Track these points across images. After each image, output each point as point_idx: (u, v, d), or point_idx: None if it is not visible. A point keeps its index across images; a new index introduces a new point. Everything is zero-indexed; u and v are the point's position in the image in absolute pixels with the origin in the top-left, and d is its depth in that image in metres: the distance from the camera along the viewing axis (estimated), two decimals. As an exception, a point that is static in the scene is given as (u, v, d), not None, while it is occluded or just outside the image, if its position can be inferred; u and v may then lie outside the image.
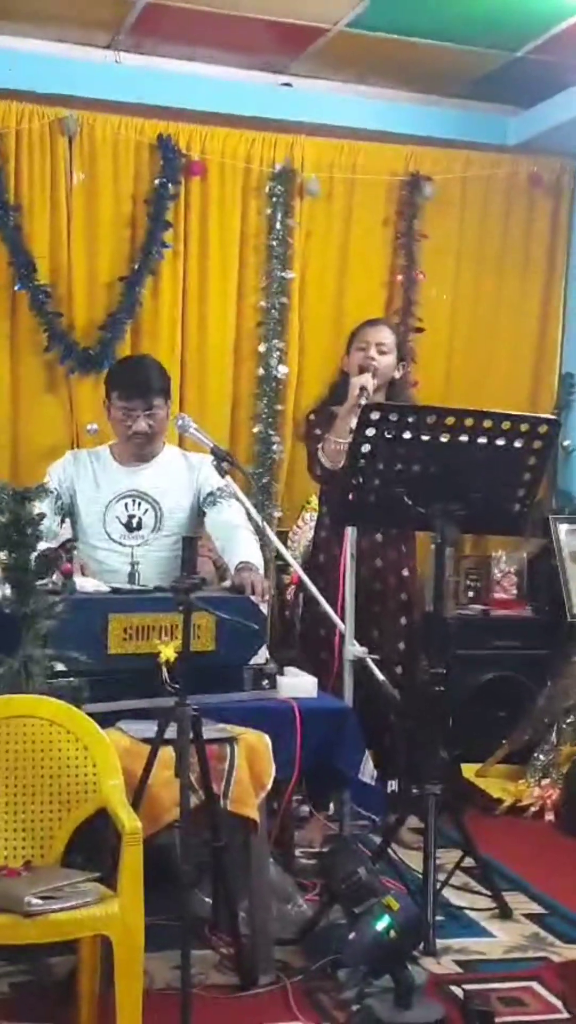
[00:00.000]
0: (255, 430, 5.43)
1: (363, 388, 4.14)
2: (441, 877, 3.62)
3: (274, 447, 5.41)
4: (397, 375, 4.40)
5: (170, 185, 5.21)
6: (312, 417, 4.47)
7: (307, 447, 4.46)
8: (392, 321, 4.93)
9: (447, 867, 3.73)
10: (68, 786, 2.86)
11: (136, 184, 5.23)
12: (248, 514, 3.88)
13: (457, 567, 5.49)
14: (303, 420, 4.74)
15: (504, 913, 3.68)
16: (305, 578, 3.90)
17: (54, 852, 2.84)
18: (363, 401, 4.09)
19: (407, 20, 4.83)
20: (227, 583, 3.67)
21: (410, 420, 3.51)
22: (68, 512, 3.96)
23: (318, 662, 4.07)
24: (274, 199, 5.37)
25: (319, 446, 4.30)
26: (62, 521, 3.96)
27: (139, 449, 3.95)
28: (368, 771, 3.53)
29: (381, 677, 3.90)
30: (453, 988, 3.14)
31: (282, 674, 3.51)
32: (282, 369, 5.41)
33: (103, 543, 3.92)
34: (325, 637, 4.21)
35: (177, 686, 2.93)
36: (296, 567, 3.97)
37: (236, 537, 3.83)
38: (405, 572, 4.42)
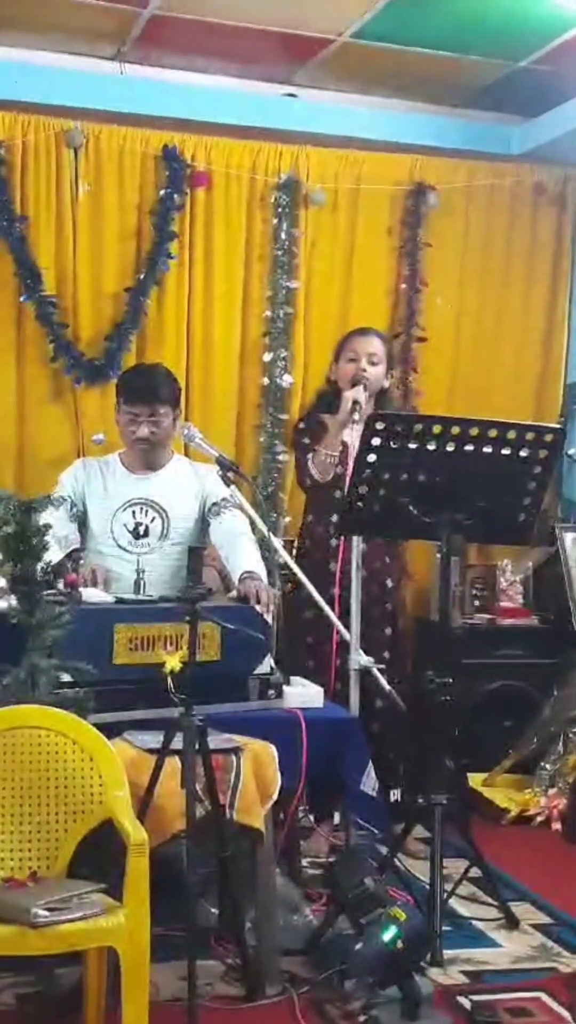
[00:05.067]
0: (260, 440, 5.44)
1: (356, 402, 4.15)
2: (448, 887, 3.62)
3: (278, 456, 5.41)
4: (387, 384, 4.42)
5: (175, 196, 5.22)
6: (301, 426, 4.49)
7: (296, 456, 4.48)
8: (381, 330, 4.91)
9: (454, 877, 3.72)
10: (74, 797, 2.86)
11: (141, 195, 5.24)
12: (252, 524, 3.89)
13: (463, 576, 5.48)
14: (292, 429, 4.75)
15: (511, 923, 3.68)
16: (311, 588, 3.89)
17: (60, 863, 2.84)
18: (356, 415, 4.10)
19: (411, 31, 4.84)
20: (233, 593, 3.68)
21: (415, 429, 3.52)
22: (81, 519, 3.97)
23: (305, 671, 4.05)
24: (279, 209, 5.38)
25: (308, 457, 4.32)
26: (79, 529, 3.97)
27: (143, 456, 3.97)
28: (370, 782, 3.52)
29: (388, 687, 3.91)
30: (460, 999, 3.13)
31: (288, 684, 3.51)
32: (287, 378, 5.42)
33: (110, 550, 3.93)
34: (313, 645, 4.22)
35: (183, 696, 2.93)
36: (302, 576, 3.97)
37: (239, 547, 3.83)
38: (389, 582, 4.43)
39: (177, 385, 4.07)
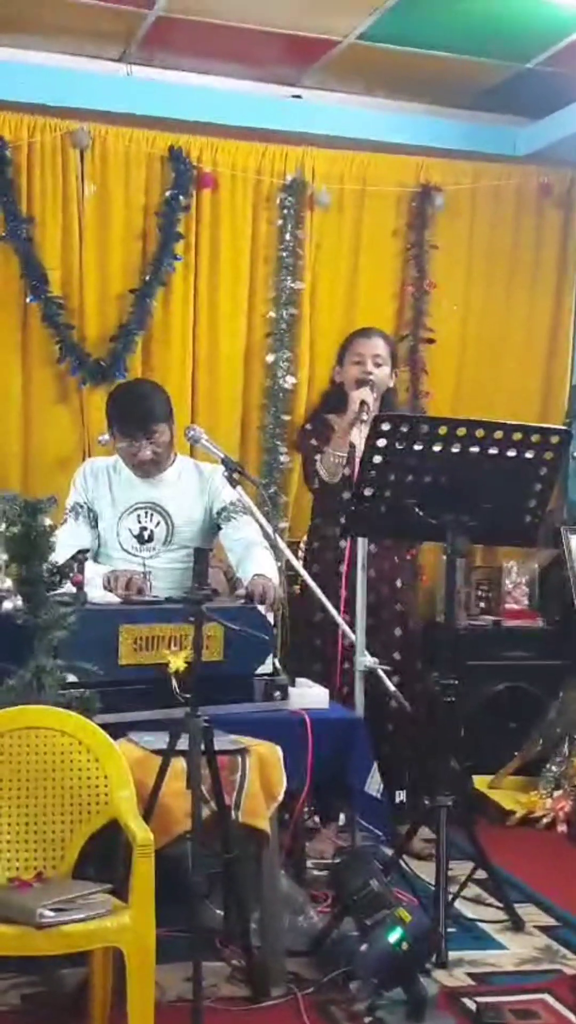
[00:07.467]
0: (263, 441, 5.44)
1: (364, 402, 4.15)
2: (453, 889, 3.61)
3: (281, 458, 5.41)
4: (391, 384, 4.43)
5: (181, 197, 5.23)
6: (307, 427, 4.49)
7: (303, 457, 4.48)
8: (387, 332, 4.90)
9: (459, 879, 3.71)
10: (79, 798, 2.86)
11: (147, 196, 5.25)
12: (261, 527, 3.88)
13: (468, 578, 5.48)
14: (297, 430, 4.73)
15: (516, 925, 3.67)
16: (317, 590, 3.89)
17: (66, 864, 2.84)
18: (364, 416, 4.10)
19: (417, 32, 4.84)
20: (241, 591, 3.68)
21: (421, 431, 3.51)
22: (94, 523, 3.98)
23: (311, 674, 4.05)
24: (284, 211, 5.38)
25: (317, 458, 4.32)
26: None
27: (146, 473, 3.96)
28: (374, 784, 3.52)
29: (393, 688, 3.90)
30: (465, 1000, 3.13)
31: (293, 685, 3.51)
32: (290, 380, 5.42)
33: (116, 553, 3.93)
34: (320, 648, 4.21)
35: (187, 697, 2.93)
36: (307, 578, 3.96)
37: (254, 554, 3.82)
38: (399, 583, 4.43)
39: (165, 396, 4.04)
